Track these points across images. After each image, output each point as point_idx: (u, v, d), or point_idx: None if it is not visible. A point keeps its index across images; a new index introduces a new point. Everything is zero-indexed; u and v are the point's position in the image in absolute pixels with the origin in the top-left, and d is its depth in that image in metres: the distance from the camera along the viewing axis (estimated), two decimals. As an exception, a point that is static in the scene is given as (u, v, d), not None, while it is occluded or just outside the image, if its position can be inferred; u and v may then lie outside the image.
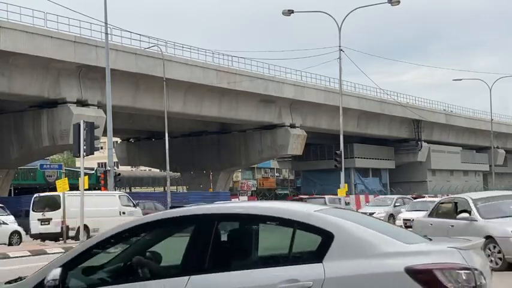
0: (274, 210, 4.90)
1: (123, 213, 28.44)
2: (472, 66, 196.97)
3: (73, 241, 26.81)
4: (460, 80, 68.96)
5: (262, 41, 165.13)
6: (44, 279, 4.63)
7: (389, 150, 77.08)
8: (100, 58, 39.69)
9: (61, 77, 40.75)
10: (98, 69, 39.96)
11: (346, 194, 46.44)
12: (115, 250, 5.02)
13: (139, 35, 45.40)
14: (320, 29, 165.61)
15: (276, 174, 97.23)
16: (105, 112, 38.54)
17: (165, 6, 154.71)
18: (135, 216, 27.33)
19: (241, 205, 5.35)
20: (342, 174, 43.54)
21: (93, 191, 34.44)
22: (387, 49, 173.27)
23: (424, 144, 76.34)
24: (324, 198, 41.27)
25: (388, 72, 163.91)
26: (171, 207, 33.20)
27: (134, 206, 30.93)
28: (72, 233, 27.62)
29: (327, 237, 4.55)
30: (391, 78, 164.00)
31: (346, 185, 46.53)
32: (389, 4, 41.28)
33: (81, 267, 4.81)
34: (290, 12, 42.41)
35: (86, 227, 26.58)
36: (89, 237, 26.17)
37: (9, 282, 4.99)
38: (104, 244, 4.91)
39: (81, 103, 41.61)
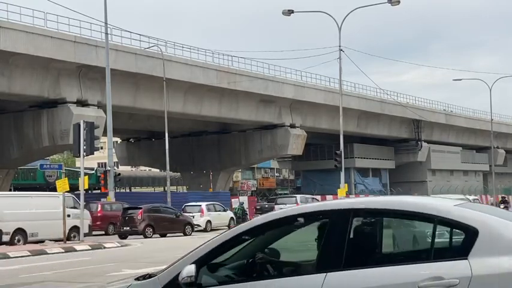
0: (412, 205, 4.72)
1: (68, 215, 26.40)
2: (472, 66, 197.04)
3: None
4: (460, 80, 68.99)
5: (262, 41, 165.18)
6: (176, 276, 4.61)
7: (389, 150, 77.09)
8: (100, 58, 39.69)
9: (61, 77, 40.75)
10: (98, 69, 39.97)
11: (346, 194, 46.47)
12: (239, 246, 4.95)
13: (140, 35, 45.47)
14: (320, 29, 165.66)
15: (276, 174, 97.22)
16: (105, 112, 38.56)
17: (165, 6, 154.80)
18: (82, 219, 27.02)
19: (376, 200, 5.21)
20: (342, 174, 43.58)
21: (34, 192, 33.10)
22: (387, 49, 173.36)
23: (424, 144, 76.35)
24: (296, 197, 41.67)
25: (388, 72, 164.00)
26: (125, 209, 32.80)
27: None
28: (6, 238, 25.68)
29: (471, 233, 4.39)
30: (391, 78, 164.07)
31: (346, 185, 46.56)
32: (389, 4, 41.32)
33: (209, 263, 4.75)
34: (290, 12, 42.43)
35: (21, 230, 25.88)
36: (26, 242, 25.71)
37: (138, 279, 4.99)
38: (236, 240, 4.81)
39: (81, 103, 41.61)
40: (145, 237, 30.91)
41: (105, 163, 42.60)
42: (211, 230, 36.73)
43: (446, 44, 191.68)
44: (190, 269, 4.53)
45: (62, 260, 19.63)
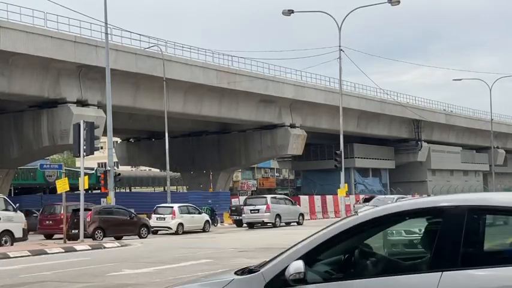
0: None
1: None
2: (472, 66, 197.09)
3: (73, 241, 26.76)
4: (460, 80, 69.05)
5: (262, 41, 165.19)
6: (281, 271, 4.49)
7: (389, 150, 77.10)
8: (100, 58, 39.69)
9: (61, 77, 40.75)
10: (98, 69, 39.97)
11: (346, 194, 46.50)
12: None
13: (140, 35, 45.48)
14: (320, 29, 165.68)
15: (276, 174, 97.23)
16: (105, 112, 38.54)
17: (165, 6, 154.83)
18: (14, 222, 25.57)
19: (492, 196, 4.98)
20: (342, 174, 43.58)
21: None
22: (387, 49, 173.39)
23: (424, 144, 76.37)
24: (266, 198, 41.10)
25: (388, 72, 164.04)
26: (74, 210, 30.37)
27: (14, 210, 26.00)
28: None
29: None
30: (391, 78, 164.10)
31: (346, 184, 46.58)
32: (389, 4, 41.33)
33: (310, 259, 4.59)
34: (290, 12, 42.45)
35: None
36: None
37: (236, 273, 4.87)
38: (344, 236, 4.65)
39: (81, 103, 41.62)
40: (94, 239, 28.88)
41: (105, 163, 42.57)
42: (183, 232, 35.28)
43: (447, 44, 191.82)
44: (298, 265, 4.41)
45: (62, 260, 19.64)
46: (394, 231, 5.25)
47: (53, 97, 40.74)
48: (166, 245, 25.83)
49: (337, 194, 47.85)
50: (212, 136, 60.92)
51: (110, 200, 37.45)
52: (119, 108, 42.73)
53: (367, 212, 4.76)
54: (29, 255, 21.22)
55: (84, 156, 25.29)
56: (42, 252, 22.08)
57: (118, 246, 25.37)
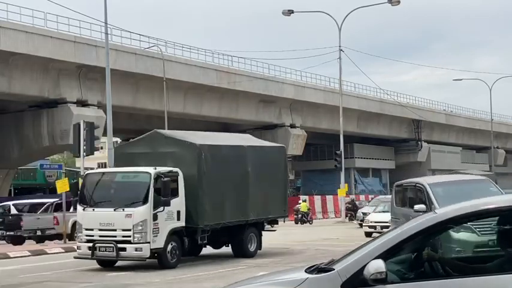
0: None
1: None
2: (473, 66, 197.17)
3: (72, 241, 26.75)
4: (460, 80, 69.02)
5: (262, 41, 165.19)
6: (359, 270, 4.37)
7: (389, 150, 77.08)
8: (100, 58, 39.67)
9: (61, 77, 40.74)
10: (98, 69, 39.94)
11: (346, 194, 46.50)
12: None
13: (140, 35, 45.43)
14: (320, 29, 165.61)
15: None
16: (105, 112, 38.50)
17: (165, 6, 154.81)
18: None
19: None
20: (342, 174, 43.56)
21: None
22: (387, 49, 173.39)
23: (424, 144, 76.35)
24: None
25: (389, 72, 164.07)
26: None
27: None
28: None
29: None
30: (391, 78, 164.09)
31: (346, 185, 46.58)
32: (390, 4, 41.32)
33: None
34: (290, 12, 42.44)
35: None
36: None
37: (307, 271, 4.69)
38: (421, 234, 4.51)
39: (81, 103, 41.60)
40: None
41: (105, 163, 42.60)
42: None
43: (447, 44, 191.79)
44: (379, 265, 4.28)
45: (62, 260, 19.64)
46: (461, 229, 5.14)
47: (53, 97, 40.73)
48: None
49: (337, 194, 47.83)
50: (212, 136, 60.81)
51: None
52: (119, 108, 42.66)
53: (447, 210, 4.64)
54: (29, 255, 21.22)
55: (84, 156, 25.29)
56: (42, 252, 22.09)
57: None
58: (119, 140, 65.06)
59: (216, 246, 19.86)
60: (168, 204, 16.60)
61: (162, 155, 17.84)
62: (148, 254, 16.44)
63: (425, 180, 17.37)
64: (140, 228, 16.28)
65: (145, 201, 16.42)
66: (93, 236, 16.72)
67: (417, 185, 16.83)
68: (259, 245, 19.96)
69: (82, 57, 40.20)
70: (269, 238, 28.56)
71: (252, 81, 52.17)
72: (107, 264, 17.30)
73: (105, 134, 38.58)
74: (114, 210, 16.54)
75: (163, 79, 43.33)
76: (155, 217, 16.46)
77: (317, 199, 52.17)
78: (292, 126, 58.63)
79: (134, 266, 17.49)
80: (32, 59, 38.14)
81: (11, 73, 38.07)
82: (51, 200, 30.76)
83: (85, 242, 16.80)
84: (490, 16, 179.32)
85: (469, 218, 4.59)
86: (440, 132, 79.88)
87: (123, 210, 16.47)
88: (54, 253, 22.16)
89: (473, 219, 4.63)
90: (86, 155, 25.39)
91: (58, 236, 27.37)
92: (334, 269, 4.50)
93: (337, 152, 43.83)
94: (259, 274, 13.77)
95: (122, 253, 16.39)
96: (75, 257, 17.48)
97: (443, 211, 4.63)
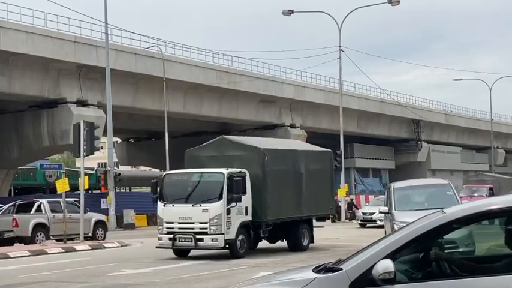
0: None
1: None
2: (473, 66, 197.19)
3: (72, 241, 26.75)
4: (460, 80, 69.06)
5: (262, 41, 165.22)
6: (367, 270, 4.35)
7: (389, 150, 77.04)
8: (100, 58, 39.69)
9: (61, 77, 40.74)
10: (98, 69, 39.97)
11: (346, 194, 46.48)
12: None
13: (140, 35, 45.46)
14: (320, 29, 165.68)
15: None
16: (105, 112, 38.54)
17: (165, 6, 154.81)
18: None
19: None
20: (342, 174, 43.56)
21: None
22: (387, 49, 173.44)
23: (424, 144, 76.33)
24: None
25: (389, 72, 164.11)
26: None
27: None
28: None
29: None
30: (391, 78, 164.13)
31: (346, 184, 46.55)
32: (390, 4, 41.31)
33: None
34: (290, 12, 42.43)
35: None
36: None
37: (313, 271, 4.67)
38: (430, 234, 4.48)
39: (81, 103, 41.61)
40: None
41: (105, 163, 42.60)
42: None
43: (447, 44, 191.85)
44: (387, 265, 4.26)
45: (62, 260, 19.64)
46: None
47: (53, 97, 40.73)
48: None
49: (337, 194, 47.79)
50: (212, 136, 60.30)
51: (110, 200, 37.47)
52: (119, 108, 42.72)
53: (455, 210, 4.62)
54: (29, 255, 21.22)
55: (84, 156, 25.28)
56: (42, 252, 22.09)
57: (118, 246, 25.37)
58: (119, 140, 65.13)
59: (273, 240, 21.61)
60: (240, 201, 18.96)
61: (229, 158, 20.18)
62: (222, 244, 18.80)
63: (395, 184, 19.27)
64: (216, 221, 18.61)
65: (220, 197, 18.76)
66: (173, 228, 19.02)
67: (389, 188, 18.67)
68: (311, 239, 21.89)
69: (82, 57, 40.20)
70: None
71: (252, 81, 52.17)
72: (182, 254, 19.64)
73: (105, 134, 38.66)
74: (192, 205, 18.92)
75: (163, 79, 43.34)
76: (228, 212, 18.81)
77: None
78: (292, 126, 58.63)
79: (135, 266, 17.51)
80: (32, 59, 38.14)
81: (11, 73, 38.07)
82: (18, 202, 29.46)
83: (166, 234, 19.13)
84: (490, 16, 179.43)
85: (478, 218, 4.56)
86: (440, 132, 79.87)
87: (200, 205, 18.81)
88: (54, 253, 22.17)
89: (481, 219, 4.60)
90: (86, 155, 25.37)
91: (18, 239, 26.30)
92: (342, 269, 4.49)
93: (337, 152, 43.77)
94: (259, 274, 13.78)
95: (200, 243, 18.74)
96: (157, 247, 19.56)
97: (451, 211, 4.60)
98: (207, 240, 18.67)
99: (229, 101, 52.60)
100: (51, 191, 47.32)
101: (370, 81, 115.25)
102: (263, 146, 20.81)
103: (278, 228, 20.91)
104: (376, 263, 4.32)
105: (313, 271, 4.66)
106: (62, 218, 25.50)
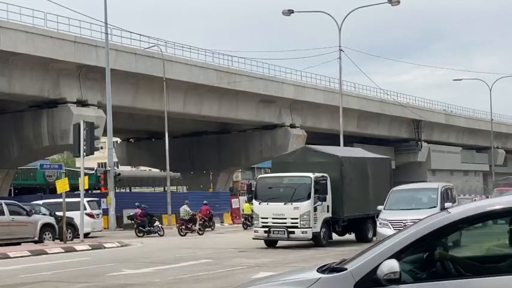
0: None
1: None
2: (473, 66, 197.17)
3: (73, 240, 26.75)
4: (460, 80, 69.04)
5: (262, 41, 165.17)
6: (372, 270, 4.33)
7: (389, 150, 76.90)
8: (100, 58, 39.69)
9: (61, 77, 40.74)
10: (98, 69, 39.97)
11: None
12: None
13: (140, 35, 45.46)
14: (320, 29, 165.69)
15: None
16: (105, 112, 38.55)
17: (165, 6, 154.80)
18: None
19: None
20: (342, 174, 43.42)
21: None
22: (388, 49, 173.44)
23: (424, 144, 76.32)
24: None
25: (389, 72, 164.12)
26: None
27: None
28: None
29: None
30: (391, 78, 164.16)
31: (346, 185, 46.51)
32: (390, 4, 41.28)
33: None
34: (290, 12, 42.38)
35: None
36: None
37: (318, 271, 4.65)
38: (436, 234, 4.46)
39: (81, 103, 41.60)
40: None
41: (105, 163, 42.64)
42: None
43: (447, 44, 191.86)
44: (392, 265, 4.24)
45: (62, 260, 19.64)
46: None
47: (53, 97, 40.72)
48: (166, 245, 25.83)
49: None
50: (212, 136, 60.88)
51: (110, 200, 37.47)
52: (119, 108, 42.72)
53: (460, 210, 4.60)
54: (29, 255, 21.21)
55: (84, 156, 25.28)
56: (42, 252, 22.08)
57: (118, 246, 25.38)
58: (119, 140, 65.13)
59: (342, 233, 24.83)
60: (325, 200, 22.63)
61: (311, 164, 23.59)
62: (311, 236, 22.30)
63: (395, 188, 22.46)
64: (305, 217, 22.16)
65: (308, 197, 22.28)
66: (267, 223, 22.48)
67: (390, 191, 21.86)
68: (374, 233, 23.85)
69: (82, 57, 40.19)
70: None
71: (252, 81, 52.16)
72: (271, 244, 23.03)
73: (105, 134, 38.67)
74: (284, 204, 22.34)
75: (163, 79, 43.33)
76: (315, 209, 22.41)
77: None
78: (292, 126, 58.62)
79: (134, 266, 17.51)
80: (32, 59, 38.13)
81: (11, 73, 38.06)
82: None
83: (261, 227, 22.65)
84: (490, 16, 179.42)
85: (483, 218, 4.54)
86: (440, 132, 79.87)
87: (292, 204, 22.25)
88: (54, 253, 22.16)
89: (487, 219, 4.58)
90: (86, 155, 25.37)
91: None
92: (346, 269, 4.47)
93: (337, 152, 43.79)
94: (259, 274, 13.78)
95: (291, 235, 22.28)
96: (253, 238, 23.13)
97: (456, 211, 4.58)
98: (297, 232, 22.15)
99: (229, 101, 52.59)
100: (51, 191, 47.36)
101: (370, 81, 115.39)
102: (340, 154, 24.96)
103: (349, 223, 24.25)
104: (381, 263, 4.31)
105: (317, 271, 4.64)
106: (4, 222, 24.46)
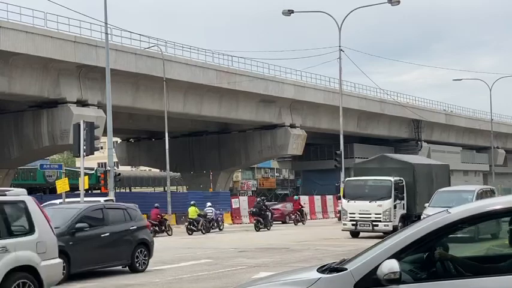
0: None
1: None
2: (473, 67, 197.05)
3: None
4: (460, 80, 68.99)
5: (262, 41, 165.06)
6: (372, 270, 4.34)
7: (389, 150, 76.84)
8: (100, 58, 39.68)
9: (61, 77, 40.75)
10: (98, 69, 39.96)
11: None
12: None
13: (140, 35, 45.46)
14: (320, 29, 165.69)
15: (276, 174, 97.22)
16: (105, 112, 38.50)
17: (166, 6, 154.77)
18: None
19: None
20: (342, 174, 43.48)
21: None
22: (388, 49, 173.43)
23: (424, 144, 76.32)
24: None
25: (389, 73, 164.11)
26: None
27: None
28: None
29: None
30: (391, 78, 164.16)
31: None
32: (390, 4, 41.28)
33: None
34: (290, 12, 42.38)
35: None
36: None
37: (318, 271, 4.66)
38: (435, 234, 4.46)
39: (81, 103, 41.62)
40: None
41: (105, 163, 42.50)
42: None
43: (447, 44, 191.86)
44: (392, 265, 4.25)
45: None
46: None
47: (53, 97, 40.73)
48: (166, 245, 25.81)
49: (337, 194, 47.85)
50: (212, 136, 60.89)
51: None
52: (119, 108, 42.71)
53: (460, 210, 4.59)
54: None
55: (84, 156, 25.28)
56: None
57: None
58: (119, 140, 65.14)
59: None
60: (402, 199, 27.26)
61: (388, 169, 28.08)
62: (391, 229, 25.53)
63: (440, 189, 26.43)
64: (387, 213, 26.56)
65: (389, 197, 26.72)
66: (354, 217, 26.96)
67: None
68: None
69: (82, 57, 40.20)
70: (267, 238, 28.59)
71: (252, 81, 52.17)
72: (355, 235, 27.50)
73: (105, 134, 38.57)
74: (369, 202, 26.83)
75: (163, 79, 43.33)
76: (395, 207, 26.78)
77: (317, 199, 52.29)
78: (292, 126, 58.63)
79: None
80: (32, 59, 38.14)
81: (11, 73, 38.06)
82: None
83: (349, 221, 27.14)
84: (490, 16, 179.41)
85: (482, 218, 4.54)
86: (440, 132, 79.87)
87: (376, 202, 26.72)
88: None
89: (486, 219, 4.57)
90: (86, 155, 25.37)
91: None
92: (346, 269, 4.47)
93: (337, 152, 43.79)
94: (259, 274, 13.78)
95: (375, 228, 26.66)
96: (342, 230, 27.67)
97: (456, 211, 4.58)
98: (380, 225, 26.54)
99: (229, 101, 52.60)
100: (51, 191, 47.38)
101: (370, 81, 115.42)
102: (413, 161, 30.10)
103: (419, 219, 26.35)
104: (381, 263, 4.31)
105: (317, 271, 4.64)
106: None
